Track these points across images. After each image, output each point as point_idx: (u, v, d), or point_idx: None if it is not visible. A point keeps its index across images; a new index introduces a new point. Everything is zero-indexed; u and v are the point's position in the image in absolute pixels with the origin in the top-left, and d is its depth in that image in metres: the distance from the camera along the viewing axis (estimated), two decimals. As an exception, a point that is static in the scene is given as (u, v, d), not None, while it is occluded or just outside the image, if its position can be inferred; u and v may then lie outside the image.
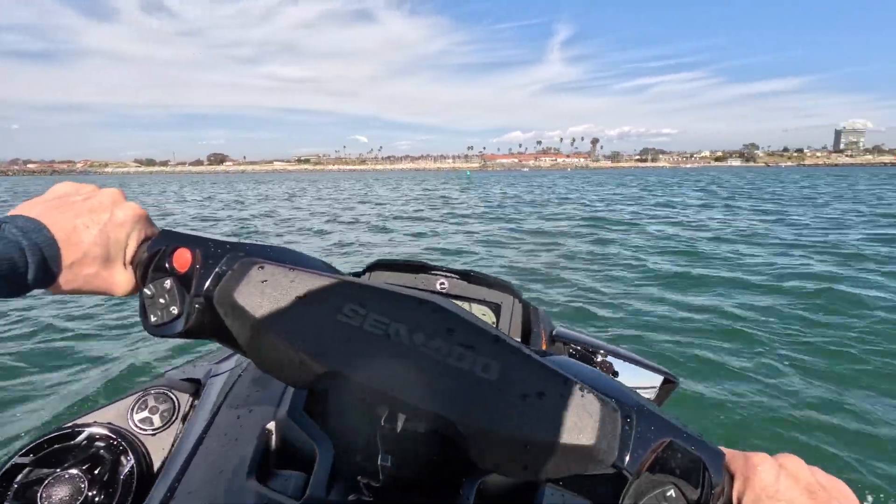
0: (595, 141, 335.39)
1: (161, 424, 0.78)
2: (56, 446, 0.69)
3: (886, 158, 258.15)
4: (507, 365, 0.42)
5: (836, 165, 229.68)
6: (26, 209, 0.45)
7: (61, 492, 0.65)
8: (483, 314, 1.02)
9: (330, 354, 0.43)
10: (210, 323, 0.47)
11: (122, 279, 0.49)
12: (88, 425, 0.74)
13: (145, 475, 0.72)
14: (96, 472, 0.68)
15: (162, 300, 0.48)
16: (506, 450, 0.40)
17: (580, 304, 5.17)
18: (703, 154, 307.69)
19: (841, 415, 2.92)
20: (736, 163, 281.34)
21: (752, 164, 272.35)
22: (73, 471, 0.67)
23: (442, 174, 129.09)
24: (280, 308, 0.44)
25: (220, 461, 0.63)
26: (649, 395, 1.04)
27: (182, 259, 0.49)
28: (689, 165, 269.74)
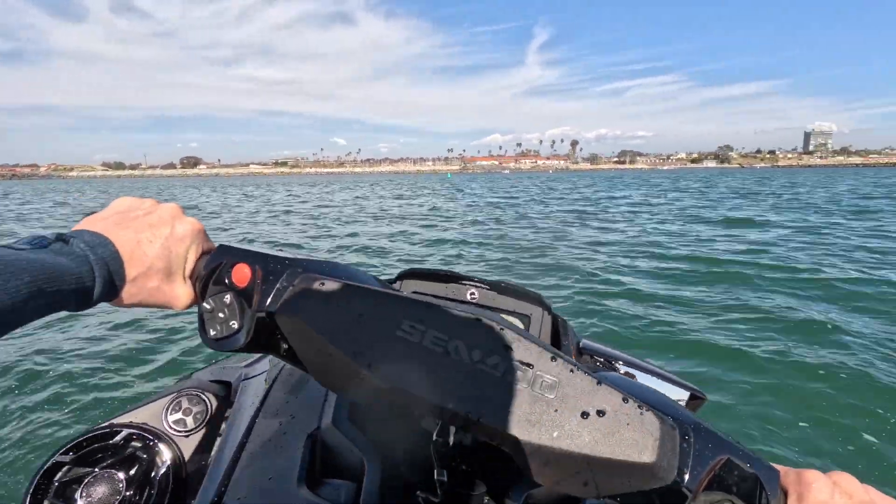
0: (574, 143, 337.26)
1: (194, 426, 0.79)
2: (95, 445, 0.71)
3: (856, 160, 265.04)
4: (565, 383, 0.42)
5: (810, 167, 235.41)
6: (90, 224, 0.46)
7: (100, 491, 0.67)
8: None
9: (390, 370, 0.43)
10: (269, 338, 0.48)
11: (182, 293, 0.50)
12: (126, 425, 0.75)
13: (179, 476, 0.74)
14: (133, 471, 0.70)
15: (221, 314, 0.48)
16: (567, 467, 0.41)
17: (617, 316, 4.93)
18: (679, 156, 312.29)
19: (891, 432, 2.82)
20: (711, 164, 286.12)
21: (726, 165, 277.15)
22: (112, 470, 0.69)
23: (422, 177, 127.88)
24: (342, 324, 0.45)
25: (268, 467, 0.64)
26: None
27: (241, 274, 0.49)
28: (666, 167, 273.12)
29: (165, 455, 0.73)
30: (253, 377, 0.89)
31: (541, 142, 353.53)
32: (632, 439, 0.40)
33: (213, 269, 0.50)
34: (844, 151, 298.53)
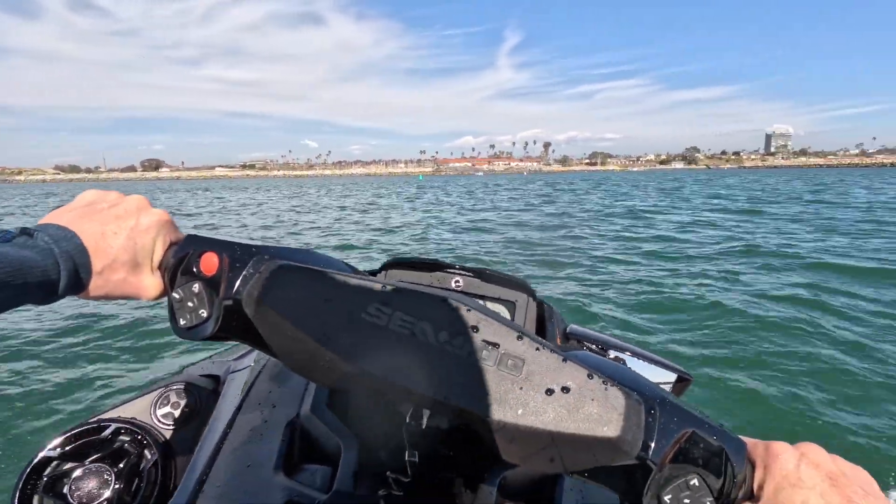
0: (547, 145, 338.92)
1: (182, 419, 0.81)
2: (83, 440, 0.72)
3: (819, 160, 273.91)
4: (531, 360, 0.43)
5: (776, 167, 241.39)
6: (55, 218, 0.46)
7: (89, 484, 0.68)
8: (498, 312, 1.01)
9: (357, 354, 0.44)
10: (239, 325, 0.48)
11: (150, 283, 0.50)
12: (114, 420, 0.76)
13: (168, 468, 0.75)
14: (121, 465, 0.71)
15: (191, 303, 0.48)
16: (532, 443, 0.41)
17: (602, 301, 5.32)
18: (648, 157, 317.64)
19: (859, 403, 2.99)
20: (679, 165, 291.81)
21: (693, 166, 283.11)
22: (100, 464, 0.70)
23: (393, 179, 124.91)
24: (307, 309, 0.45)
25: (247, 456, 0.65)
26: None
27: (209, 263, 0.49)
28: (636, 168, 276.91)
29: (154, 448, 0.74)
30: (240, 370, 0.91)
31: (513, 143, 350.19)
32: (596, 414, 0.40)
33: (180, 258, 0.50)
34: (804, 153, 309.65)
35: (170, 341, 4.02)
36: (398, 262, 1.01)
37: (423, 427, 0.57)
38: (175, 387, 0.83)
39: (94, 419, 0.75)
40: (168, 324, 0.50)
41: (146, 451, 0.74)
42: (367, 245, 10.14)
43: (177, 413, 0.81)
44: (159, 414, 0.80)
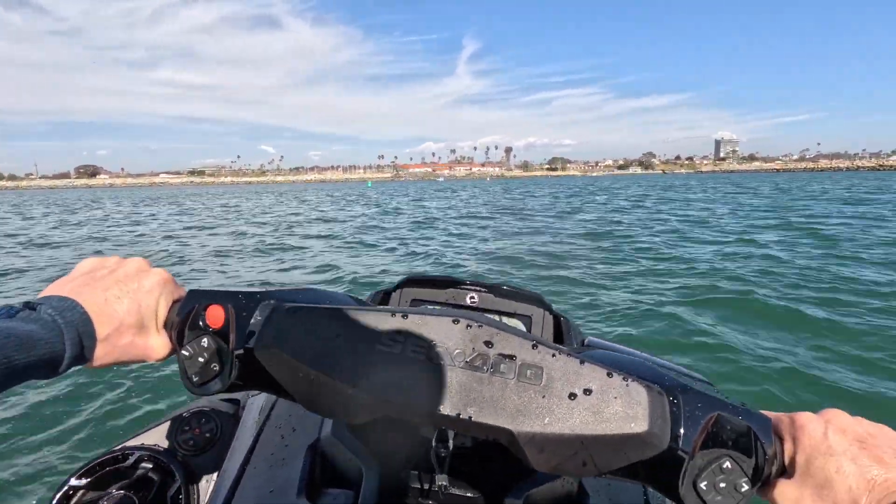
0: (509, 150, 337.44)
1: (204, 445, 0.81)
2: (108, 469, 0.72)
3: (777, 165, 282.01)
4: (549, 368, 0.43)
5: (733, 172, 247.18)
6: (56, 289, 0.45)
7: None
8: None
9: (377, 385, 0.43)
10: (253, 373, 0.48)
11: (157, 343, 0.50)
12: (137, 448, 0.77)
13: (191, 495, 0.75)
14: (146, 493, 0.71)
15: (201, 359, 0.48)
16: (562, 450, 0.41)
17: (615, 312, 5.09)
18: (607, 163, 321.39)
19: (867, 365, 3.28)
20: (637, 170, 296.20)
21: (650, 171, 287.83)
22: (126, 492, 0.70)
23: (337, 186, 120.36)
24: (321, 348, 0.45)
25: (270, 481, 0.65)
26: None
27: (215, 315, 0.49)
28: (595, 174, 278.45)
29: (177, 475, 0.74)
30: (259, 394, 0.90)
31: (475, 148, 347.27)
32: (621, 412, 0.40)
33: (186, 314, 0.50)
34: (752, 158, 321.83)
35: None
36: (414, 280, 1.01)
37: (451, 448, 0.56)
38: (196, 412, 0.83)
39: (119, 447, 0.76)
40: (194, 393, 0.49)
41: (170, 479, 0.74)
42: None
43: (199, 439, 0.80)
44: (181, 440, 0.80)
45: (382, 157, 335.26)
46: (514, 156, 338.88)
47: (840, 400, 2.86)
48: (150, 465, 0.73)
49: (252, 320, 0.48)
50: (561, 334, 1.00)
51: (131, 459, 0.73)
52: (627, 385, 0.41)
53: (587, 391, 0.41)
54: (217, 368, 0.48)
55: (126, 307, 0.47)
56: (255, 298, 0.50)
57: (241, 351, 0.47)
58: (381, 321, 0.46)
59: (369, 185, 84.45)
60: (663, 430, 0.40)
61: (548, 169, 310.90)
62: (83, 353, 0.43)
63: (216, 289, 0.51)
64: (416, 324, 0.46)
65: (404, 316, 0.46)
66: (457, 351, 0.44)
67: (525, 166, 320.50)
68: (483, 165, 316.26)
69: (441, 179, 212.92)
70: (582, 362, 0.43)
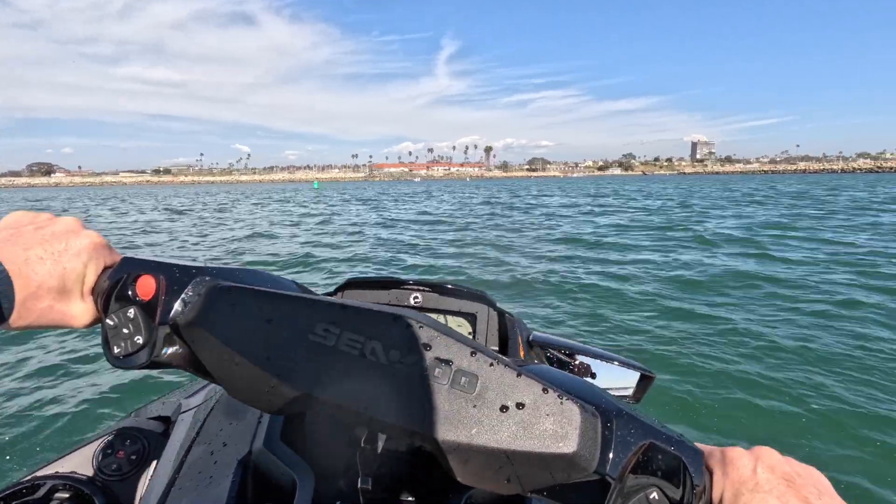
0: (489, 149, 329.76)
1: (130, 468, 0.76)
2: (15, 503, 0.66)
3: (767, 167, 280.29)
4: (485, 377, 0.42)
5: (718, 174, 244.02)
6: None
7: None
8: (459, 325, 1.03)
9: (302, 377, 0.41)
10: (177, 351, 0.46)
11: (80, 311, 0.47)
12: (50, 477, 0.71)
13: None
14: None
15: (126, 330, 0.46)
16: (487, 463, 0.40)
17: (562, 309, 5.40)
18: (587, 164, 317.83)
19: (807, 402, 3.11)
20: (617, 172, 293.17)
21: (630, 172, 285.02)
22: None
23: (283, 186, 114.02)
24: (249, 332, 0.43)
25: (196, 501, 0.60)
26: (629, 391, 1.10)
27: (146, 287, 0.46)
28: (576, 175, 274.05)
29: (97, 503, 0.69)
30: (191, 409, 0.85)
31: (454, 148, 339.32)
32: (552, 430, 0.39)
33: (115, 283, 0.47)
34: (729, 160, 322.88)
35: (116, 384, 3.52)
36: (354, 283, 0.98)
37: (378, 451, 0.54)
38: (120, 433, 0.78)
39: (28, 478, 0.70)
40: (113, 365, 0.47)
41: None
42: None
43: (123, 462, 0.75)
44: (102, 465, 0.74)
45: (356, 156, 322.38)
46: (494, 156, 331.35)
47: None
48: (66, 495, 0.68)
49: (183, 295, 0.46)
50: (506, 331, 0.99)
51: (43, 490, 0.67)
52: (562, 403, 0.40)
53: (520, 405, 0.40)
54: (141, 342, 0.45)
55: (48, 269, 0.43)
56: (189, 273, 0.47)
57: (167, 327, 0.45)
58: (317, 310, 0.44)
59: (315, 185, 74.40)
60: (592, 453, 0.39)
61: (528, 169, 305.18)
62: (0, 314, 0.40)
63: (151, 259, 0.48)
64: (354, 317, 0.44)
65: (343, 307, 0.44)
66: (393, 350, 0.42)
67: (505, 167, 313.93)
68: (462, 165, 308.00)
69: (417, 180, 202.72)
70: (519, 375, 0.42)
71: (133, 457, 0.75)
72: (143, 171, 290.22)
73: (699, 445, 0.41)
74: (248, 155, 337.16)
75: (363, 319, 0.44)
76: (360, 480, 0.55)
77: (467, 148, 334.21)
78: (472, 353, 0.43)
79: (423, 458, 0.51)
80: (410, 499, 0.60)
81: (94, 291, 0.48)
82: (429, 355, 0.42)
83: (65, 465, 0.73)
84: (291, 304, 0.45)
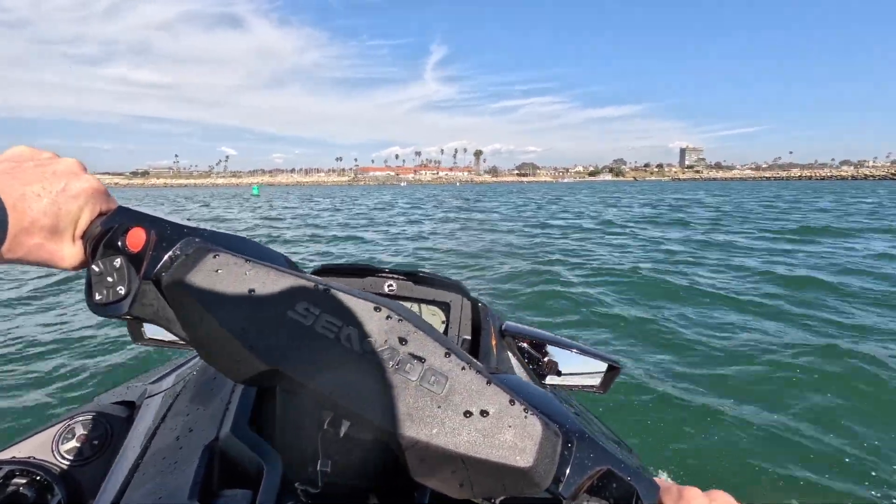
0: (479, 153, 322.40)
1: (91, 454, 0.74)
2: None
3: (768, 173, 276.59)
4: (454, 380, 0.42)
5: (715, 180, 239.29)
6: None
7: None
8: (433, 314, 1.03)
9: (275, 352, 0.41)
10: (156, 307, 0.46)
11: (69, 253, 0.47)
12: (5, 462, 0.69)
13: None
14: None
15: (110, 279, 0.46)
16: (442, 465, 0.40)
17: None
18: (577, 169, 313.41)
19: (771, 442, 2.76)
20: (608, 177, 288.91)
21: (620, 178, 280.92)
22: None
23: (221, 190, 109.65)
24: (230, 299, 0.43)
25: (160, 487, 0.59)
26: (596, 380, 1.14)
27: (135, 239, 0.46)
28: (567, 180, 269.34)
29: (57, 489, 0.67)
30: (157, 394, 0.84)
31: (442, 151, 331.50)
32: (511, 442, 0.39)
33: (106, 230, 0.47)
34: (719, 166, 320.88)
35: (79, 365, 3.46)
36: (329, 269, 0.97)
37: (340, 435, 0.54)
38: (81, 418, 0.76)
39: None
40: (92, 311, 0.47)
41: (48, 494, 0.67)
42: None
43: (84, 447, 0.73)
44: (63, 449, 0.72)
45: (340, 159, 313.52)
46: (484, 160, 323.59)
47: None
48: (23, 480, 0.66)
49: (171, 252, 0.45)
50: (479, 320, 0.99)
51: None
52: (526, 417, 0.40)
53: (484, 412, 0.40)
54: (122, 292, 0.45)
55: (43, 207, 0.43)
56: (181, 232, 0.47)
57: (150, 281, 0.45)
58: (300, 288, 0.44)
59: (255, 190, 65.08)
60: (548, 471, 0.39)
61: (518, 174, 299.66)
62: None
63: (145, 212, 0.48)
64: (335, 301, 0.44)
65: (326, 290, 0.44)
66: (367, 339, 0.42)
67: (494, 171, 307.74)
68: (451, 169, 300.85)
69: (403, 185, 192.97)
70: (489, 383, 0.42)
71: (95, 442, 0.73)
72: (122, 174, 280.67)
73: (657, 480, 0.41)
74: (227, 157, 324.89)
75: (344, 305, 0.43)
76: (319, 462, 0.55)
77: (456, 152, 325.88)
78: (447, 354, 0.42)
79: (388, 448, 0.51)
80: (364, 486, 0.59)
81: (84, 236, 0.47)
82: (403, 349, 0.42)
83: (22, 450, 0.71)
84: (275, 277, 0.44)
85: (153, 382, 0.90)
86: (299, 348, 0.41)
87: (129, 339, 0.82)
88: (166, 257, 0.45)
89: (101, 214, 0.48)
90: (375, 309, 0.44)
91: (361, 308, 0.44)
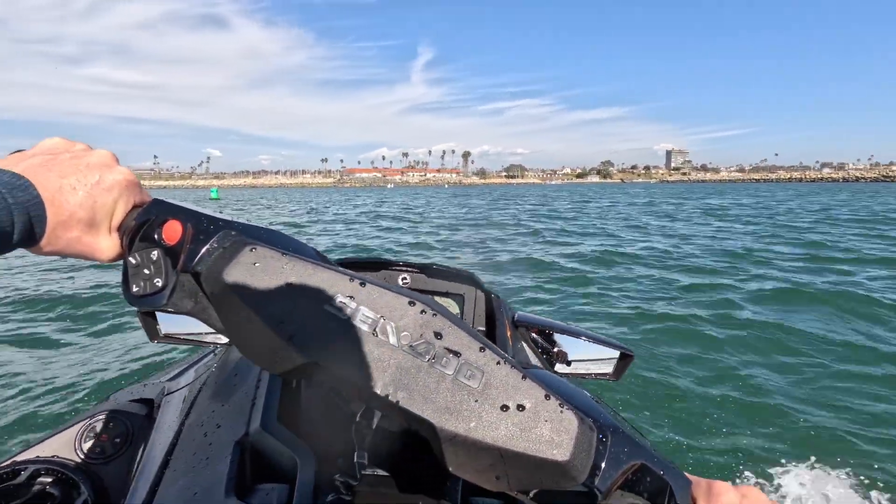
0: (467, 155, 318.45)
1: (114, 451, 0.74)
2: None
3: (758, 175, 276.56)
4: (490, 374, 0.42)
5: (703, 182, 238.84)
6: (12, 163, 0.42)
7: None
8: (447, 306, 1.01)
9: (313, 344, 0.42)
10: (194, 300, 0.46)
11: (106, 245, 0.47)
12: (30, 462, 0.69)
13: None
14: None
15: (147, 271, 0.46)
16: (480, 458, 0.40)
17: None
18: (565, 171, 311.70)
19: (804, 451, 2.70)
20: (595, 179, 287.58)
21: (608, 180, 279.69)
22: None
23: (181, 192, 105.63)
24: (268, 292, 0.43)
25: (193, 483, 0.59)
26: (609, 368, 1.16)
27: (172, 231, 0.47)
28: (555, 181, 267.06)
29: (83, 487, 0.68)
30: (176, 391, 0.84)
31: (430, 153, 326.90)
32: (548, 436, 0.40)
33: (142, 223, 0.47)
34: (704, 168, 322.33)
35: (95, 367, 3.50)
36: (344, 264, 0.96)
37: (374, 427, 0.55)
38: (101, 416, 0.76)
39: (7, 463, 0.69)
40: (130, 303, 0.47)
41: (74, 492, 0.68)
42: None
43: (105, 445, 0.74)
44: (85, 448, 0.73)
45: (326, 160, 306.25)
46: (472, 161, 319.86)
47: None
48: (49, 480, 0.67)
49: (207, 245, 0.46)
50: (492, 311, 1.00)
51: (24, 475, 0.66)
52: (562, 412, 0.41)
53: (520, 407, 0.40)
54: (160, 284, 0.45)
55: (80, 200, 0.43)
56: (217, 225, 0.47)
57: (188, 274, 0.45)
58: (336, 282, 0.44)
59: (213, 193, 59.25)
60: (584, 465, 0.40)
61: (506, 176, 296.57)
62: (31, 238, 0.40)
63: (180, 204, 0.49)
64: (372, 295, 0.44)
65: (362, 284, 0.45)
66: (404, 333, 0.42)
67: (482, 173, 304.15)
68: (439, 171, 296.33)
69: (390, 186, 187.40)
70: (524, 377, 0.42)
71: (117, 440, 0.74)
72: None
73: (688, 475, 0.42)
74: (209, 158, 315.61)
75: (380, 299, 0.44)
76: (356, 454, 0.56)
77: (444, 153, 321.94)
78: (482, 349, 0.43)
79: (420, 437, 0.52)
80: (401, 478, 0.60)
81: (120, 228, 0.47)
82: (438, 343, 0.42)
83: (45, 450, 0.72)
84: (312, 271, 0.44)
85: (170, 380, 0.89)
86: (336, 341, 0.41)
87: (143, 337, 0.83)
88: (204, 250, 0.45)
89: (135, 206, 0.48)
90: (410, 303, 0.44)
91: (396, 302, 0.44)
